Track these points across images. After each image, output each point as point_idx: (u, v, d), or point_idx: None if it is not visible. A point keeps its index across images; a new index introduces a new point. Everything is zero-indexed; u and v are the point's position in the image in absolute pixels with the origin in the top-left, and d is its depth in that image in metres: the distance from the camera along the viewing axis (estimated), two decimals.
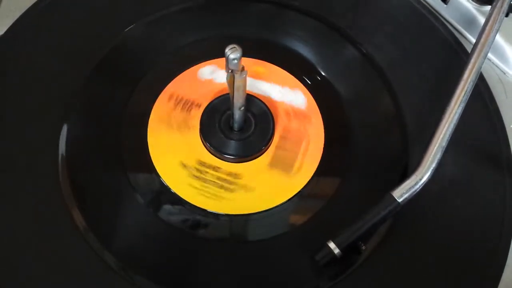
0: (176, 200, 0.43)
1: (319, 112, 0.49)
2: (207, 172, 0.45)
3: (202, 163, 0.45)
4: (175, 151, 0.46)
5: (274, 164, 0.46)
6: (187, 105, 0.48)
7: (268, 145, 0.46)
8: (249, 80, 0.48)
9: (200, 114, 0.47)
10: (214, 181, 0.44)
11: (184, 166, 0.45)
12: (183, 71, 0.50)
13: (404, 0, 0.55)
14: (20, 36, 0.50)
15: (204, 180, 0.44)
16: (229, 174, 0.45)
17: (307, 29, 0.53)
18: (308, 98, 0.49)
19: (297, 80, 0.50)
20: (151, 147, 0.46)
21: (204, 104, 0.48)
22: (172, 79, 0.49)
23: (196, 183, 0.44)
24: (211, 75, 0.50)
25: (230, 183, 0.44)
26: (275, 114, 0.48)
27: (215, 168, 0.45)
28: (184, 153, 0.46)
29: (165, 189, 0.44)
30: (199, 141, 0.46)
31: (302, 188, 0.44)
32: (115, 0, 0.53)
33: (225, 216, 0.43)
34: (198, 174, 0.45)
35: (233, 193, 0.44)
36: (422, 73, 0.51)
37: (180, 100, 0.48)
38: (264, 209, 0.43)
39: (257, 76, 0.50)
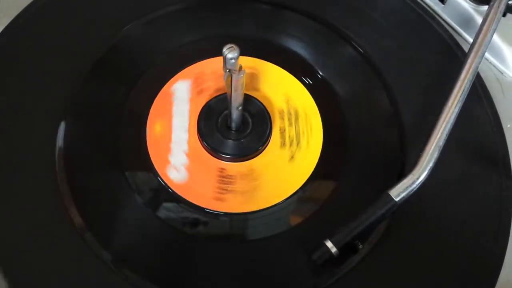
0: (175, 199, 0.43)
1: (317, 112, 0.49)
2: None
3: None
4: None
5: (271, 163, 0.46)
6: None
7: (265, 145, 0.46)
8: (247, 80, 0.49)
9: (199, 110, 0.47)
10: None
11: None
12: (181, 70, 0.50)
13: (402, 0, 0.55)
14: (18, 35, 0.50)
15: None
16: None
17: (306, 29, 0.53)
18: (306, 98, 0.49)
19: (296, 80, 0.50)
20: (150, 146, 0.46)
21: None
22: (171, 78, 0.49)
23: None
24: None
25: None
26: (273, 114, 0.48)
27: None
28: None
29: (163, 188, 0.44)
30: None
31: (300, 188, 0.44)
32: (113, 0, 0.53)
33: (223, 216, 0.43)
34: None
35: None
36: (420, 73, 0.51)
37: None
38: (262, 208, 0.43)
39: (255, 75, 0.50)
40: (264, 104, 0.48)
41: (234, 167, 0.45)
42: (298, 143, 0.46)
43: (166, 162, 0.45)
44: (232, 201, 0.44)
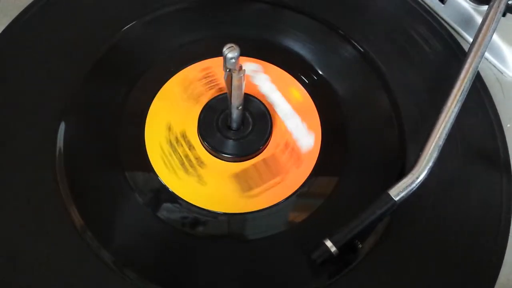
0: (174, 199, 0.44)
1: (316, 111, 0.49)
2: (181, 146, 0.45)
3: (184, 136, 0.46)
4: (171, 113, 0.47)
5: (261, 169, 0.46)
6: (212, 84, 0.49)
7: (266, 144, 0.46)
8: (247, 80, 0.49)
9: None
10: (180, 156, 0.45)
11: (169, 129, 0.46)
12: (180, 70, 0.50)
13: (402, 0, 0.55)
14: (18, 35, 0.50)
15: (174, 150, 0.45)
16: (197, 158, 0.45)
17: (305, 28, 0.53)
18: (306, 97, 0.49)
19: (295, 79, 0.50)
20: (149, 146, 0.46)
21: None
22: (170, 78, 0.49)
23: (166, 149, 0.45)
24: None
25: (192, 166, 0.45)
26: (273, 113, 0.48)
27: (190, 147, 0.46)
28: (177, 118, 0.47)
29: (163, 188, 0.44)
30: (196, 117, 0.47)
31: (300, 187, 0.45)
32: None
33: (223, 215, 0.43)
34: (173, 142, 0.46)
35: (188, 176, 0.45)
36: (419, 72, 0.51)
37: (210, 76, 0.49)
38: (261, 208, 0.43)
39: (255, 75, 0.50)
40: (264, 103, 0.48)
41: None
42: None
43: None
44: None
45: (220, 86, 0.49)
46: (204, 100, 0.48)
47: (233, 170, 0.45)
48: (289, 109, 0.49)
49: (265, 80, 0.50)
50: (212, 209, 0.43)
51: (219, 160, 0.46)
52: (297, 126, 0.48)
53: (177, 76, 0.50)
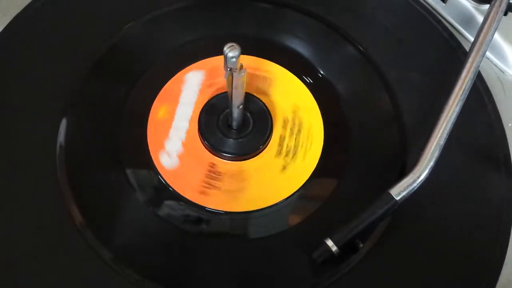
0: (175, 197, 0.43)
1: (318, 111, 0.49)
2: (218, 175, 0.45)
3: (212, 164, 0.46)
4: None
5: (262, 169, 0.45)
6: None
7: (266, 143, 0.46)
8: (248, 79, 0.48)
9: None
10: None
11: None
12: (181, 69, 0.50)
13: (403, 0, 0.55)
14: (18, 34, 0.50)
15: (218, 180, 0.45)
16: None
17: (307, 28, 0.53)
18: (307, 97, 0.49)
19: (297, 79, 0.50)
20: (151, 144, 0.46)
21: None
22: (171, 78, 0.49)
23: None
24: None
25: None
26: (274, 113, 0.48)
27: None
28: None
29: (164, 187, 0.44)
30: None
31: (301, 186, 0.44)
32: None
33: (224, 214, 0.43)
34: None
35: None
36: (421, 71, 0.51)
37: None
38: (263, 207, 0.43)
39: (256, 74, 0.50)
40: (269, 107, 0.48)
41: (233, 166, 0.45)
42: (294, 155, 0.46)
43: (161, 147, 0.46)
44: (215, 198, 0.44)
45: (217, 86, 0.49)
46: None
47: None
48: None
49: (265, 79, 0.50)
50: (212, 207, 0.43)
51: (238, 162, 0.46)
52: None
53: (178, 75, 0.50)
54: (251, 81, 0.49)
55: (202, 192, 0.44)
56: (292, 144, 0.47)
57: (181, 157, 0.46)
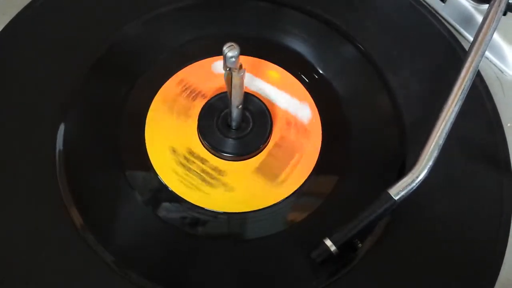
0: (174, 198, 0.44)
1: (317, 111, 0.49)
2: (193, 163, 0.45)
3: (192, 153, 0.46)
4: (169, 135, 0.46)
5: (278, 154, 0.46)
6: (193, 94, 0.49)
7: (266, 143, 0.46)
8: (247, 78, 0.48)
9: (202, 105, 0.47)
10: (197, 173, 0.45)
11: (174, 151, 0.45)
12: (181, 69, 0.50)
13: None
14: (17, 34, 0.50)
15: (188, 169, 0.45)
16: (215, 169, 0.45)
17: (306, 27, 0.53)
18: (306, 96, 0.49)
19: (295, 79, 0.50)
20: (149, 145, 0.46)
21: (210, 96, 0.48)
22: (170, 77, 0.49)
23: (180, 171, 0.45)
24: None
25: (213, 177, 0.45)
26: (273, 112, 0.48)
27: (203, 160, 0.45)
28: (177, 139, 0.46)
29: (163, 188, 0.44)
30: (194, 131, 0.47)
31: (300, 186, 0.44)
32: None
33: (223, 214, 0.43)
34: (184, 162, 0.45)
35: (214, 188, 0.44)
36: (420, 71, 0.51)
37: (188, 88, 0.49)
38: (261, 208, 0.43)
39: (255, 74, 0.50)
40: (265, 102, 0.48)
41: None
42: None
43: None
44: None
45: (203, 92, 0.49)
46: (195, 113, 0.47)
47: (253, 166, 0.45)
48: (283, 96, 0.49)
49: (265, 79, 0.50)
50: (193, 202, 0.43)
51: (235, 162, 0.46)
52: (290, 103, 0.48)
53: (176, 76, 0.50)
54: (251, 81, 0.49)
55: (196, 190, 0.44)
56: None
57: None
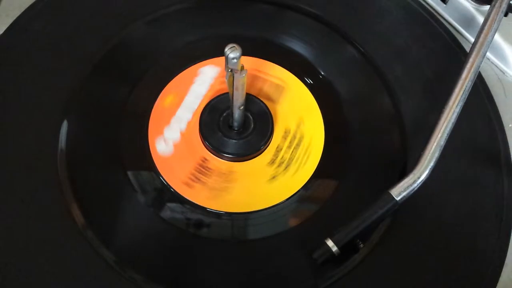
0: (176, 198, 0.44)
1: (319, 112, 0.49)
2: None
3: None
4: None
5: (252, 174, 0.45)
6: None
7: (267, 144, 0.46)
8: (249, 79, 0.49)
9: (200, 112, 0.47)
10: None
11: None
12: (183, 70, 0.50)
13: (403, 0, 0.55)
14: (20, 35, 0.50)
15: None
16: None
17: (307, 29, 0.53)
18: (308, 97, 0.49)
19: (297, 80, 0.50)
20: (152, 145, 0.46)
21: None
22: (172, 78, 0.50)
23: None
24: None
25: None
26: (275, 114, 0.48)
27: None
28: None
29: (165, 188, 0.44)
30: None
31: (302, 187, 0.45)
32: None
33: (225, 215, 0.43)
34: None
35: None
36: (421, 72, 0.51)
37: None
38: (263, 208, 0.44)
39: (257, 75, 0.50)
40: (266, 104, 0.48)
41: (233, 166, 0.46)
42: (286, 167, 0.46)
43: (160, 133, 0.46)
44: (198, 192, 0.44)
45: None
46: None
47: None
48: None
49: (266, 80, 0.50)
50: (211, 207, 0.43)
51: (236, 162, 0.46)
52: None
53: (179, 76, 0.50)
54: (252, 83, 0.50)
55: (187, 184, 0.44)
56: (287, 156, 0.46)
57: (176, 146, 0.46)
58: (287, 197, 0.44)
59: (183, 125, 0.47)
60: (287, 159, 0.46)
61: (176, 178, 0.44)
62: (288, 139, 0.47)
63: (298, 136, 0.47)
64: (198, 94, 0.49)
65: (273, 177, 0.45)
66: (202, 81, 0.50)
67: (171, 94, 0.49)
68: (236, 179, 0.45)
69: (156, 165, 0.45)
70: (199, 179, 0.45)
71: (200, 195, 0.44)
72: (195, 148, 0.46)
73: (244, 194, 0.44)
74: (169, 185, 0.44)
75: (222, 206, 0.44)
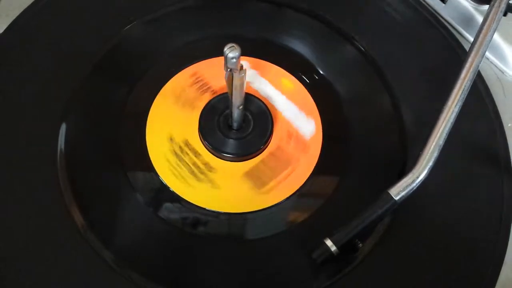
0: (175, 198, 0.44)
1: (317, 111, 0.49)
2: (187, 154, 0.45)
3: (187, 144, 0.46)
4: (169, 123, 0.47)
5: (270, 163, 0.46)
6: (204, 88, 0.49)
7: (267, 144, 0.46)
8: (248, 79, 0.49)
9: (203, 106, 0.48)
10: (188, 165, 0.45)
11: (171, 140, 0.46)
12: (182, 70, 0.50)
13: (402, 0, 0.55)
14: (19, 35, 0.50)
15: (180, 160, 0.45)
16: (223, 171, 0.45)
17: (306, 28, 0.53)
18: (306, 97, 0.49)
19: (296, 79, 0.50)
20: (150, 145, 0.46)
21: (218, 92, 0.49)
22: (171, 78, 0.50)
23: (172, 160, 0.45)
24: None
25: (223, 180, 0.45)
26: (274, 113, 0.48)
27: (196, 154, 0.46)
28: (176, 128, 0.47)
29: (164, 188, 0.44)
30: (195, 123, 0.47)
31: (301, 187, 0.45)
32: None
33: (224, 215, 0.43)
34: (178, 152, 0.45)
35: (224, 191, 0.44)
36: (420, 72, 0.51)
37: (200, 81, 0.49)
38: (262, 208, 0.44)
39: (256, 75, 0.50)
40: (265, 103, 0.48)
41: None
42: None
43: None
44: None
45: (212, 88, 0.49)
46: (200, 105, 0.48)
47: (243, 169, 0.45)
48: (285, 101, 0.49)
49: (265, 79, 0.50)
50: (229, 211, 0.43)
51: (227, 161, 0.46)
52: (296, 115, 0.48)
53: (177, 77, 0.50)
54: (252, 81, 0.50)
55: (183, 182, 0.44)
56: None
57: None
58: (287, 196, 0.44)
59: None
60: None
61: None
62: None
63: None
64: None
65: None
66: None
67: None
68: (233, 179, 0.45)
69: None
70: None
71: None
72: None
73: (240, 194, 0.44)
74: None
75: (218, 205, 0.44)
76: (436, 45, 0.52)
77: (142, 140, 0.46)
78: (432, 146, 0.41)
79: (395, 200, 0.40)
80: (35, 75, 0.48)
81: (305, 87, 0.50)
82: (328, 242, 0.39)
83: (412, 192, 0.40)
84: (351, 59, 0.52)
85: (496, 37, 0.51)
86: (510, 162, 0.46)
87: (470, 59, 0.45)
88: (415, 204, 0.42)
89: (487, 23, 0.47)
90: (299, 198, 0.44)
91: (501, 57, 0.52)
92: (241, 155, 0.46)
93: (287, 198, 0.44)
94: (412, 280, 0.41)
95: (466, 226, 0.43)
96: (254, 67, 0.51)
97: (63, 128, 0.45)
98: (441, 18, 0.55)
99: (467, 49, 0.48)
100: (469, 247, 0.42)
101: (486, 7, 0.51)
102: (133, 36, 0.51)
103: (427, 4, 0.56)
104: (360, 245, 0.40)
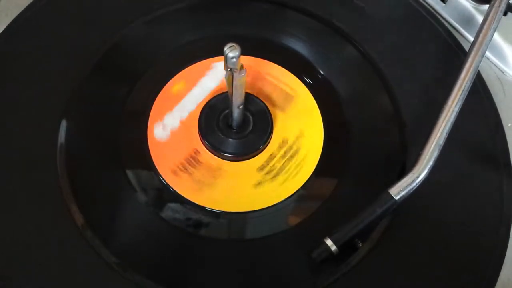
0: (176, 198, 0.44)
1: (318, 111, 0.49)
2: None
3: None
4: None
5: (238, 175, 0.45)
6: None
7: (267, 143, 0.46)
8: (249, 79, 0.49)
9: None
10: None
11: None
12: (182, 70, 0.50)
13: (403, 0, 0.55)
14: (19, 34, 0.50)
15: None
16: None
17: (307, 28, 0.53)
18: (307, 97, 0.49)
19: (297, 79, 0.50)
20: (151, 144, 0.46)
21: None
22: (172, 78, 0.50)
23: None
24: None
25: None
26: (274, 113, 0.48)
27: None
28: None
29: (164, 187, 0.44)
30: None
31: (301, 186, 0.45)
32: None
33: (224, 214, 0.43)
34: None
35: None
36: (420, 71, 0.51)
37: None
38: (263, 207, 0.44)
39: (256, 74, 0.50)
40: (266, 103, 0.48)
41: (207, 157, 0.46)
42: (274, 176, 0.45)
43: (160, 118, 0.47)
44: (183, 182, 0.44)
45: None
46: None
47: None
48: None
49: (265, 79, 0.50)
50: (229, 210, 0.43)
51: (227, 161, 0.46)
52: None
53: (179, 76, 0.50)
54: (252, 82, 0.50)
55: (174, 172, 0.44)
56: (278, 165, 0.46)
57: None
58: (287, 196, 0.44)
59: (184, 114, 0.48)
60: (277, 168, 0.46)
61: (165, 164, 0.45)
62: (284, 148, 0.47)
63: (295, 148, 0.47)
64: (206, 87, 0.49)
65: (259, 183, 0.45)
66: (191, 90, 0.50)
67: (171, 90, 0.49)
68: (233, 178, 0.45)
69: (150, 149, 0.45)
70: (186, 170, 0.45)
71: (184, 185, 0.44)
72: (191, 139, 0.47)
73: (228, 193, 0.44)
74: (158, 171, 0.44)
75: (203, 200, 0.44)
76: (436, 45, 0.52)
77: (143, 139, 0.46)
78: (432, 146, 0.41)
79: (395, 199, 0.40)
80: (35, 74, 0.48)
81: (305, 87, 0.50)
82: (328, 242, 0.39)
83: (412, 192, 0.40)
84: (352, 59, 0.52)
85: (496, 37, 0.51)
86: (510, 162, 0.46)
87: (470, 59, 0.45)
88: (415, 204, 0.42)
89: (487, 23, 0.47)
90: (299, 197, 0.44)
91: (501, 57, 0.52)
92: (241, 154, 0.46)
93: (287, 198, 0.44)
94: (412, 280, 0.41)
95: (465, 226, 0.43)
96: (254, 66, 0.51)
97: (63, 128, 0.45)
98: (441, 18, 0.55)
99: (467, 49, 0.48)
100: (469, 247, 0.42)
101: (486, 7, 0.51)
102: (133, 36, 0.51)
103: (427, 3, 0.56)
104: (360, 244, 0.40)
